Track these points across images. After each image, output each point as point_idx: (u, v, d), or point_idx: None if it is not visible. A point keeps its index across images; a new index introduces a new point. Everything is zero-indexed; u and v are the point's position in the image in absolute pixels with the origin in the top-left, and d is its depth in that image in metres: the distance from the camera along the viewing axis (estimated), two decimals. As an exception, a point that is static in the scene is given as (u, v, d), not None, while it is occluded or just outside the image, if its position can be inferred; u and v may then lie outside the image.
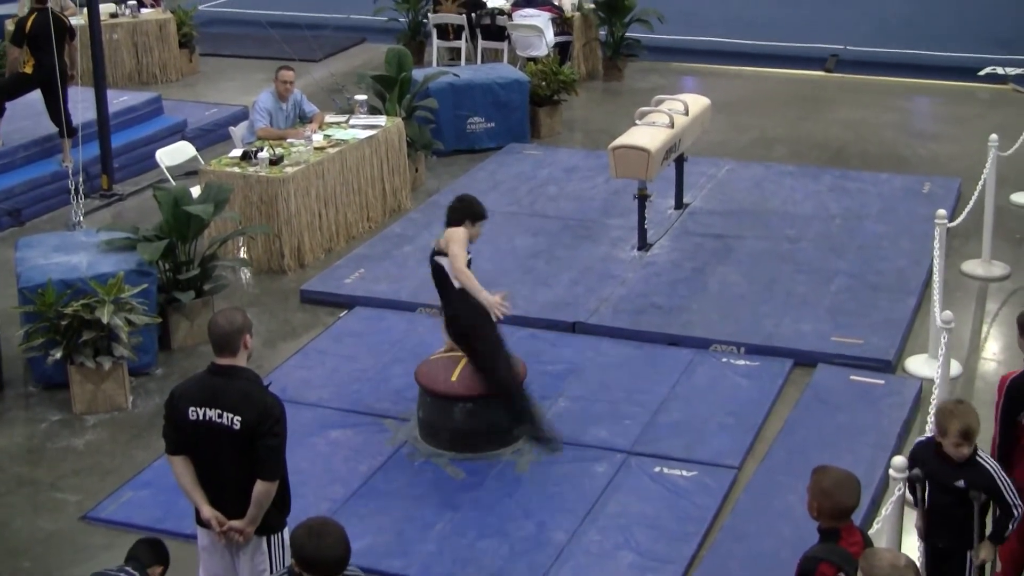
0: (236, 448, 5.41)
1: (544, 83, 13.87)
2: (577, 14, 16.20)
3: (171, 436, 5.57)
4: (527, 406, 7.76)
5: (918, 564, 4.92)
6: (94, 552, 6.96)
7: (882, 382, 8.43)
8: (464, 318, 7.63)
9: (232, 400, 5.39)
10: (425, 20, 16.88)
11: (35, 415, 8.44)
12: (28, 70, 12.02)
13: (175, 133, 13.31)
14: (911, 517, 6.94)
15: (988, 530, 5.67)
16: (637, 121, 10.80)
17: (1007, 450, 5.99)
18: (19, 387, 8.76)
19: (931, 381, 7.15)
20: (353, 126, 11.50)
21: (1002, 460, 5.85)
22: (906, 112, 15.00)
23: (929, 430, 5.88)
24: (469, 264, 7.58)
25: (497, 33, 16.20)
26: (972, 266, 10.29)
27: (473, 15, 16.28)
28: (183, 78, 16.42)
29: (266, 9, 19.36)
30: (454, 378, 7.66)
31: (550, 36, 15.71)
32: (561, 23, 16.02)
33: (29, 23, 11.87)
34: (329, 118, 11.69)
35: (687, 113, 11.04)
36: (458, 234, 7.62)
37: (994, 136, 10.20)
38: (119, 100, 13.39)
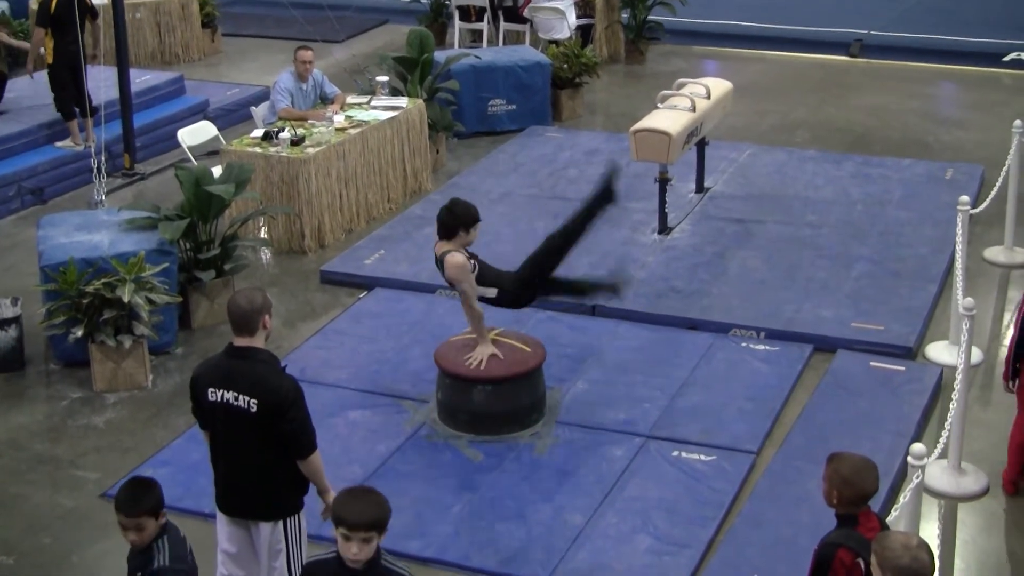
0: (253, 431, 5.44)
1: (566, 66, 13.83)
2: (600, -3, 16.17)
3: (197, 414, 5.68)
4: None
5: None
6: (113, 529, 6.93)
7: (902, 368, 8.40)
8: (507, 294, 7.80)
9: (248, 383, 5.42)
10: (447, 2, 16.85)
11: (56, 392, 8.48)
12: (49, 59, 11.95)
13: (197, 113, 13.32)
14: (929, 504, 6.94)
15: None
16: (659, 104, 10.76)
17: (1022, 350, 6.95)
18: (40, 364, 8.81)
19: (952, 368, 7.11)
20: (375, 107, 11.49)
21: (1016, 359, 6.93)
22: (930, 98, 14.91)
23: (950, 417, 5.82)
24: (474, 268, 7.54)
25: (519, 15, 16.17)
26: (994, 253, 10.24)
27: (495, -3, 16.26)
28: (205, 58, 16.44)
29: (289, -11, 19.34)
30: (473, 360, 7.67)
31: (572, 19, 15.67)
32: (583, 6, 15.97)
33: (54, 3, 11.73)
34: (351, 99, 11.69)
35: (709, 97, 10.99)
36: (458, 261, 7.37)
37: (1018, 122, 10.11)
38: (141, 79, 13.41)
